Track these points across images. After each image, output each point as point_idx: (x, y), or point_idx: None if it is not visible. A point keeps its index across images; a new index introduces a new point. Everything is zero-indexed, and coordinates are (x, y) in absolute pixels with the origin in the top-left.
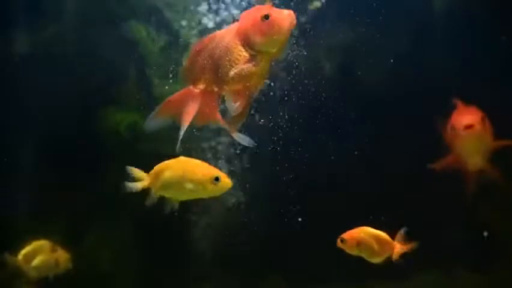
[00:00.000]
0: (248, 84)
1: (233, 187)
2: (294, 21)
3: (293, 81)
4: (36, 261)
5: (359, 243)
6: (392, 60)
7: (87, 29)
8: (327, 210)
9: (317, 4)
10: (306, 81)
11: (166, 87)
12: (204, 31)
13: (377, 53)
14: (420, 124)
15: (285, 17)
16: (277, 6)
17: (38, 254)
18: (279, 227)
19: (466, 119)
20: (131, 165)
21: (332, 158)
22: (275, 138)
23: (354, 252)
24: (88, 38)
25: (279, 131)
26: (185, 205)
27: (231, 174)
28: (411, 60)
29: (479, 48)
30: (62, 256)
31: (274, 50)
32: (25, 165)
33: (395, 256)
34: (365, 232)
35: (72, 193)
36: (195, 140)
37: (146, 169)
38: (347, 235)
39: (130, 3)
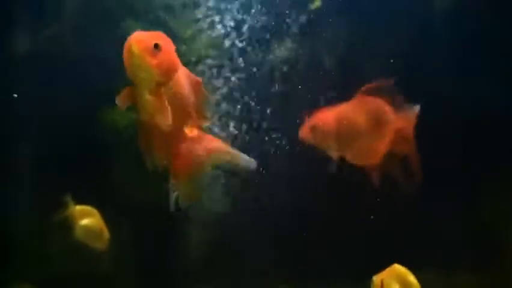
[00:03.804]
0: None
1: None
2: (141, 43)
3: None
4: (85, 221)
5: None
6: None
7: (86, 28)
8: (328, 209)
9: (318, 4)
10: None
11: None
12: (202, 30)
13: (378, 51)
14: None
15: (128, 40)
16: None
17: (89, 217)
18: (279, 226)
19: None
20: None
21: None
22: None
23: None
24: (86, 37)
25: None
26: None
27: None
28: (411, 60)
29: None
30: (106, 234)
31: (139, 78)
32: (24, 165)
33: None
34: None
35: (72, 193)
36: None
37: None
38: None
39: (128, 3)
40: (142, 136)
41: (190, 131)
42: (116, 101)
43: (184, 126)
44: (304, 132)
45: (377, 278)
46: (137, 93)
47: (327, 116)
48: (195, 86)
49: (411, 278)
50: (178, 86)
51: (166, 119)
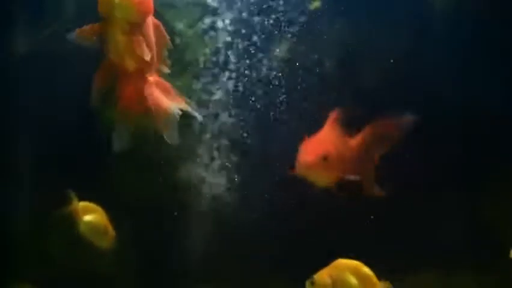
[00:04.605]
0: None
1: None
2: None
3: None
4: (89, 217)
5: (334, 283)
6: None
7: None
8: (329, 208)
9: (317, 4)
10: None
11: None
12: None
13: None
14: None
15: None
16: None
17: (94, 213)
18: (280, 226)
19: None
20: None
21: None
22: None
23: None
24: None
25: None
26: (186, 205)
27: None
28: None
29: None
30: (111, 231)
31: (115, 15)
32: (24, 164)
33: None
34: (340, 267)
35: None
36: None
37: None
38: (318, 275)
39: None
40: (102, 74)
41: (150, 76)
42: (74, 35)
43: (146, 69)
44: (314, 164)
45: (319, 276)
46: (107, 31)
47: (326, 143)
48: (156, 29)
49: (366, 270)
50: (147, 28)
51: (145, 56)
